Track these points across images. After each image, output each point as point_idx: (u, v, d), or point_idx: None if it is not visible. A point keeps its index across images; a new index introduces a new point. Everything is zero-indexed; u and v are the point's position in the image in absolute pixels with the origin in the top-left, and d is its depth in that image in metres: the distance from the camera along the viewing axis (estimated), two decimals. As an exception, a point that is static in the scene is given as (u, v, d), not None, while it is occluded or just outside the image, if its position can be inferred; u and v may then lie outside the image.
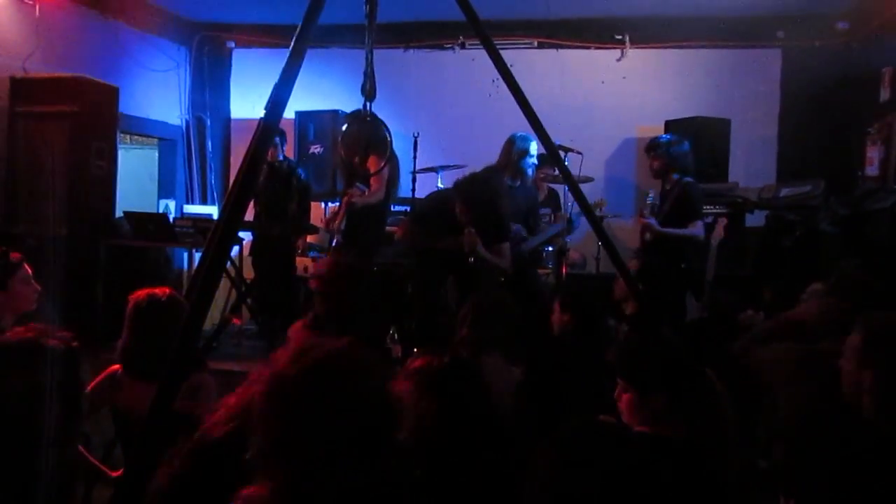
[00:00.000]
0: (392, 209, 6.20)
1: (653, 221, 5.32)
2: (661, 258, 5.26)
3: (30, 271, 3.64)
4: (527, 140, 5.44)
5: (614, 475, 1.46)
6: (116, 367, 3.09)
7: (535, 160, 5.60)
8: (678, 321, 5.13)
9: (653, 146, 5.53)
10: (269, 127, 2.33)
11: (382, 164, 4.62)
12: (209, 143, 8.80)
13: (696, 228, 5.32)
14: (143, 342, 2.97)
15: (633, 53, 7.99)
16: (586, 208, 3.32)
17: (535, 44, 8.11)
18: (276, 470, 1.53)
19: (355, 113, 5.41)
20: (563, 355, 3.52)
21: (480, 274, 5.31)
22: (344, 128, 5.40)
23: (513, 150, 5.50)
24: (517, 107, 2.92)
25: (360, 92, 2.98)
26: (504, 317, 3.52)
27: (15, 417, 1.97)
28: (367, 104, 2.97)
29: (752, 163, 7.56)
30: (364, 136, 5.31)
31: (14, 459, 1.93)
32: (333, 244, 5.78)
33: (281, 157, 6.77)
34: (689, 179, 5.44)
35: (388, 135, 3.49)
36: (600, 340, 3.55)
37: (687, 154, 5.47)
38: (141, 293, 3.05)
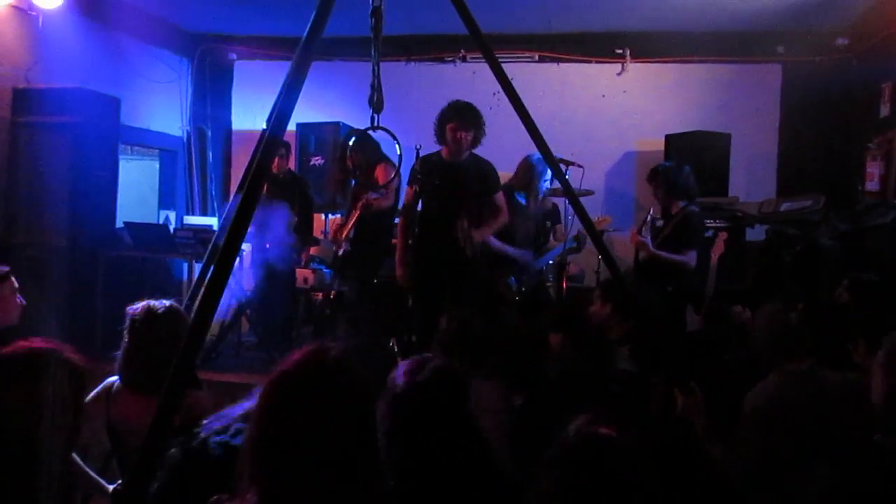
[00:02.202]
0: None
1: (648, 241, 5.26)
2: (650, 279, 5.22)
3: (16, 285, 3.64)
4: (542, 161, 5.53)
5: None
6: (112, 379, 3.06)
7: (549, 182, 5.69)
8: (676, 334, 5.12)
9: (654, 175, 5.39)
10: (273, 140, 2.33)
11: (392, 174, 4.66)
12: (210, 155, 8.82)
13: (689, 256, 5.19)
14: (141, 355, 2.93)
15: (633, 68, 8.02)
16: (587, 222, 3.32)
17: (536, 58, 8.14)
18: (261, 474, 1.54)
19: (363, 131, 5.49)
20: (562, 378, 3.45)
21: (479, 287, 5.33)
22: (350, 142, 5.45)
23: (531, 172, 5.71)
24: (518, 120, 2.92)
25: (362, 104, 2.99)
26: (486, 339, 3.45)
27: (18, 429, 1.97)
28: (375, 116, 2.99)
29: (752, 177, 7.58)
30: (371, 148, 5.37)
31: (15, 470, 1.93)
32: (341, 254, 5.80)
33: (285, 169, 6.77)
34: (693, 208, 5.34)
35: (397, 146, 3.48)
36: (600, 358, 3.48)
37: (688, 178, 5.36)
38: (138, 305, 3.02)
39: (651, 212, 5.43)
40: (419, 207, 5.02)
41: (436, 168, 5.04)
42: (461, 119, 5.05)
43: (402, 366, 2.27)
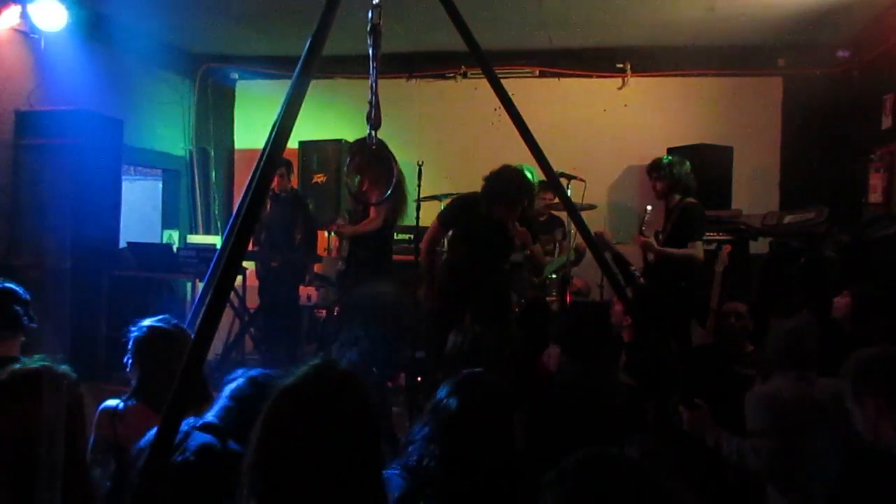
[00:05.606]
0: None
1: (652, 240, 5.22)
2: (662, 278, 5.19)
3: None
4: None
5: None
6: (112, 402, 3.01)
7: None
8: (683, 346, 5.10)
9: (655, 168, 5.41)
10: (273, 157, 2.33)
11: (384, 195, 4.59)
12: (213, 174, 8.84)
13: (695, 248, 5.19)
14: (157, 374, 2.89)
15: (634, 82, 8.04)
16: (587, 235, 3.31)
17: (537, 73, 8.16)
18: (262, 488, 1.53)
19: (362, 141, 5.44)
20: (563, 394, 3.42)
21: (501, 304, 5.30)
22: (353, 156, 5.39)
23: None
24: (518, 135, 2.92)
25: (364, 121, 2.98)
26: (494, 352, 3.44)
27: (18, 449, 1.97)
28: (373, 133, 2.98)
29: (754, 190, 7.56)
30: (370, 164, 5.31)
31: (19, 491, 1.92)
32: (338, 269, 5.78)
33: (288, 188, 6.77)
34: (690, 200, 5.32)
35: (394, 165, 3.47)
36: (599, 375, 3.45)
37: (689, 174, 5.36)
38: (145, 325, 2.99)
39: (649, 210, 5.40)
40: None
41: (474, 219, 5.07)
42: (511, 207, 5.00)
43: (446, 385, 2.29)
